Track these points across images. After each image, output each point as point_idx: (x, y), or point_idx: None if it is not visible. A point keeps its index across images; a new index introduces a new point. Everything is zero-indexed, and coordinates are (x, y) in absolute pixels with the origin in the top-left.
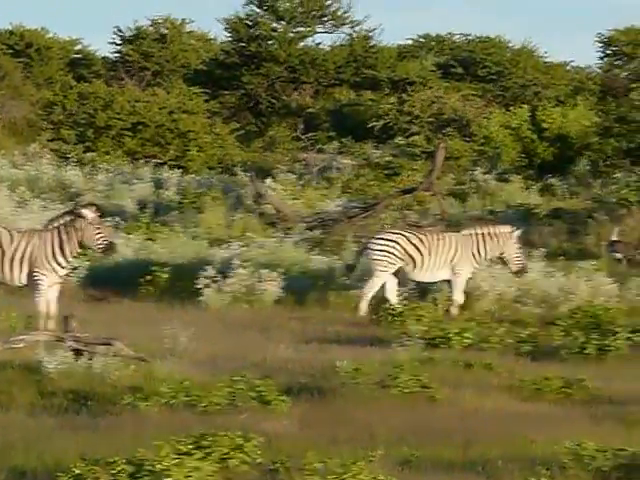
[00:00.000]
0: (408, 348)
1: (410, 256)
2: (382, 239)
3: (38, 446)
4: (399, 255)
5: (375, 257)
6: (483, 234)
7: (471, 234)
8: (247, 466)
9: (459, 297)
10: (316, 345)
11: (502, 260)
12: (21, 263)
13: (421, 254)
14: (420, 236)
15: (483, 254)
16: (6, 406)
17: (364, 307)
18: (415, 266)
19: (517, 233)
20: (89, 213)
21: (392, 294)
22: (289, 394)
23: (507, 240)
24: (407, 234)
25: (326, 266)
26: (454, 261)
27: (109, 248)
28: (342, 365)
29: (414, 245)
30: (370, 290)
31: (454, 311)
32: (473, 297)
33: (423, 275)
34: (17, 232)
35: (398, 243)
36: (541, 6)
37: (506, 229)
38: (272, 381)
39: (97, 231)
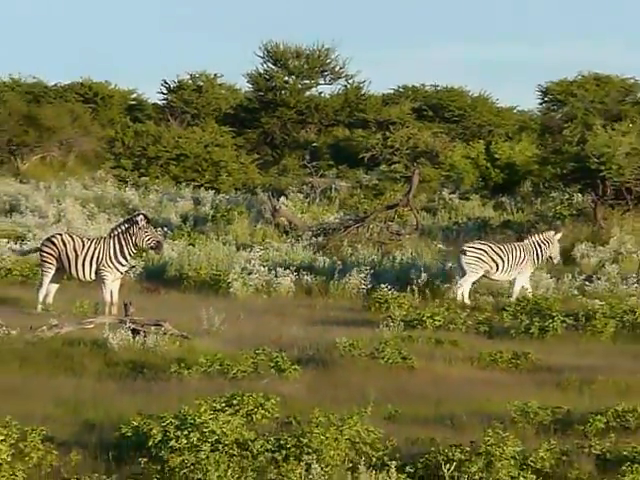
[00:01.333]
0: (392, 328)
1: (494, 261)
2: (474, 248)
3: (104, 404)
4: (486, 260)
5: (468, 261)
6: (540, 241)
7: (532, 242)
8: (267, 420)
9: (518, 291)
10: (320, 326)
11: (550, 258)
12: (90, 263)
13: (502, 260)
14: (500, 246)
15: (541, 257)
16: (79, 373)
17: (466, 298)
18: (497, 269)
19: (559, 235)
20: (140, 221)
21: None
22: (299, 364)
23: (554, 242)
24: (491, 244)
25: (327, 265)
26: (522, 265)
27: (157, 246)
28: (341, 341)
29: (496, 253)
30: (466, 286)
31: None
32: (442, 289)
33: (501, 276)
34: (87, 239)
35: (486, 251)
36: (494, 61)
37: (551, 233)
38: (286, 354)
39: (146, 234)
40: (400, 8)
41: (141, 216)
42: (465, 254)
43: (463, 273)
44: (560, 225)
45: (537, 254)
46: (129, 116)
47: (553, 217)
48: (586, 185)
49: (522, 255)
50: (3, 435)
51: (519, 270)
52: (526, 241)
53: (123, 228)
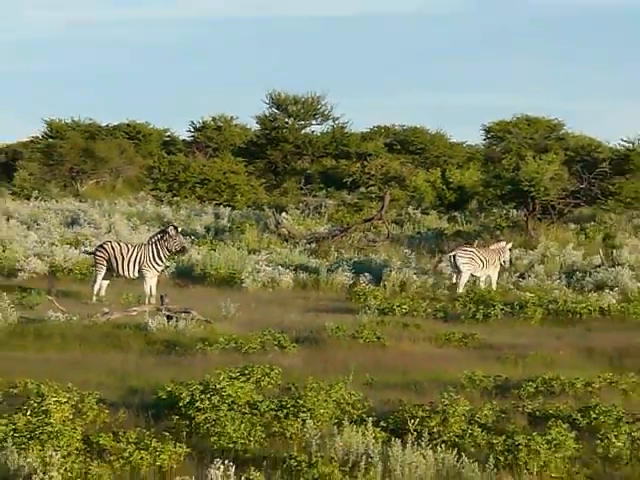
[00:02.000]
0: (368, 315)
1: (481, 261)
2: (466, 251)
3: (144, 374)
4: (475, 260)
5: (464, 262)
6: (499, 248)
7: (496, 248)
8: (272, 386)
9: (495, 286)
10: (313, 313)
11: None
12: (134, 264)
13: (483, 260)
14: (480, 250)
15: (502, 260)
16: (125, 350)
17: (462, 291)
18: (481, 267)
19: (510, 245)
20: (170, 230)
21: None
22: (297, 342)
23: (506, 251)
24: (475, 248)
25: (318, 265)
26: (494, 264)
27: (183, 250)
28: (329, 325)
29: (481, 254)
30: (463, 282)
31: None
32: (409, 282)
33: (481, 272)
34: (131, 245)
35: (475, 253)
36: (449, 105)
37: (503, 244)
38: (287, 335)
39: (175, 241)
40: (376, 65)
41: (171, 227)
42: (460, 256)
43: (459, 271)
44: (500, 234)
45: (499, 257)
46: (164, 149)
47: (494, 228)
48: (519, 203)
49: (495, 257)
50: (66, 398)
51: (492, 268)
52: (492, 247)
53: (158, 236)
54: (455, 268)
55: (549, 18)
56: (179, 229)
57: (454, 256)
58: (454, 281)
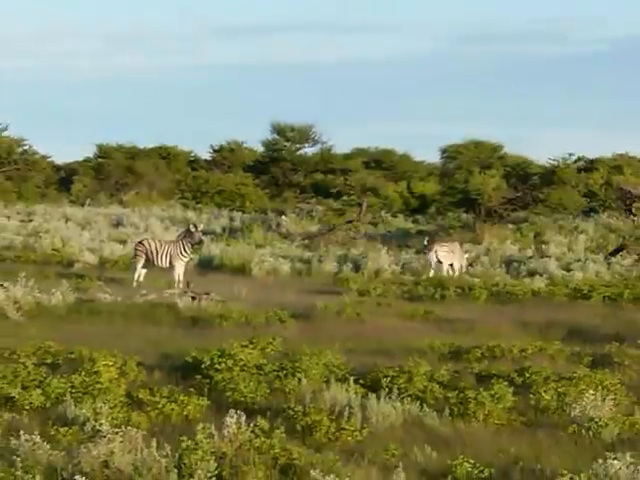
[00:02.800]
0: (350, 296)
1: (453, 253)
2: (444, 244)
3: (174, 343)
4: (450, 252)
5: (443, 254)
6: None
7: (459, 243)
8: (274, 352)
9: (457, 270)
10: (306, 294)
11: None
12: (166, 257)
13: (454, 252)
14: (452, 243)
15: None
16: (159, 324)
17: (445, 273)
18: (454, 258)
19: (467, 255)
20: (191, 228)
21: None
22: (294, 318)
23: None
24: (448, 242)
25: (310, 257)
26: (460, 255)
27: (200, 242)
28: (319, 304)
29: (453, 247)
30: (446, 268)
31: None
32: (382, 270)
33: (454, 261)
34: (164, 241)
35: (448, 246)
36: (412, 132)
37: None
38: (286, 311)
39: (195, 235)
40: (355, 100)
41: (192, 225)
42: (439, 250)
43: (439, 262)
44: (453, 232)
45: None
46: (189, 167)
47: (448, 227)
48: (468, 208)
49: (460, 249)
50: (112, 362)
51: (459, 258)
52: (456, 242)
53: (184, 235)
54: (436, 259)
55: (493, 65)
56: (198, 227)
57: (435, 250)
58: (432, 269)
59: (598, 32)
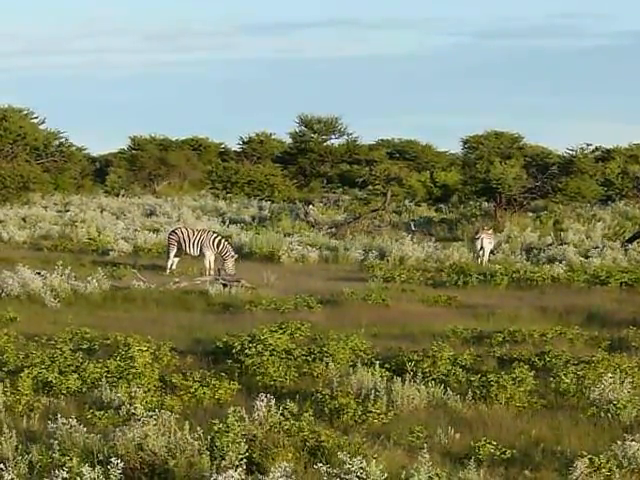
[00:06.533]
0: (375, 282)
1: (493, 240)
2: (488, 233)
3: (206, 328)
4: (493, 240)
5: (490, 241)
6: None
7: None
8: (303, 337)
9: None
10: (333, 281)
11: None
12: (197, 245)
13: (491, 240)
14: (489, 232)
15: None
16: (191, 310)
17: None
18: (491, 245)
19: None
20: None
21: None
22: (321, 303)
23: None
24: (487, 231)
25: (337, 245)
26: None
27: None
28: (345, 290)
29: (492, 235)
30: (487, 254)
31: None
32: (406, 258)
33: (490, 247)
34: (195, 230)
35: (491, 235)
36: (436, 125)
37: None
38: (314, 297)
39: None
40: (379, 93)
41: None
42: (485, 238)
43: (482, 248)
44: (475, 220)
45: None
46: (220, 158)
47: (470, 216)
48: (489, 197)
49: (493, 236)
50: (146, 347)
51: (491, 245)
52: (486, 229)
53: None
54: (480, 246)
55: (511, 59)
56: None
57: (482, 238)
58: (478, 256)
59: (613, 26)
